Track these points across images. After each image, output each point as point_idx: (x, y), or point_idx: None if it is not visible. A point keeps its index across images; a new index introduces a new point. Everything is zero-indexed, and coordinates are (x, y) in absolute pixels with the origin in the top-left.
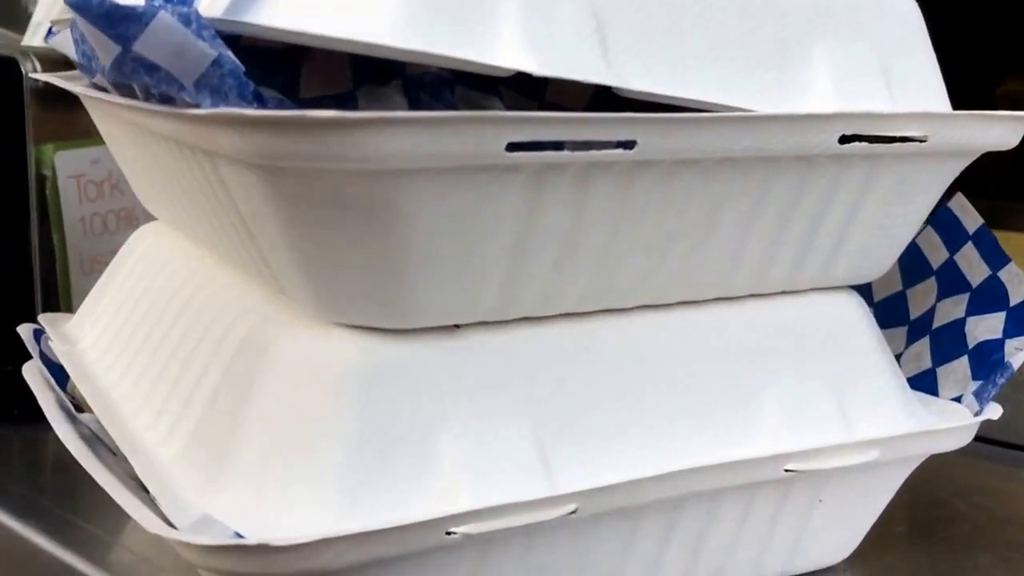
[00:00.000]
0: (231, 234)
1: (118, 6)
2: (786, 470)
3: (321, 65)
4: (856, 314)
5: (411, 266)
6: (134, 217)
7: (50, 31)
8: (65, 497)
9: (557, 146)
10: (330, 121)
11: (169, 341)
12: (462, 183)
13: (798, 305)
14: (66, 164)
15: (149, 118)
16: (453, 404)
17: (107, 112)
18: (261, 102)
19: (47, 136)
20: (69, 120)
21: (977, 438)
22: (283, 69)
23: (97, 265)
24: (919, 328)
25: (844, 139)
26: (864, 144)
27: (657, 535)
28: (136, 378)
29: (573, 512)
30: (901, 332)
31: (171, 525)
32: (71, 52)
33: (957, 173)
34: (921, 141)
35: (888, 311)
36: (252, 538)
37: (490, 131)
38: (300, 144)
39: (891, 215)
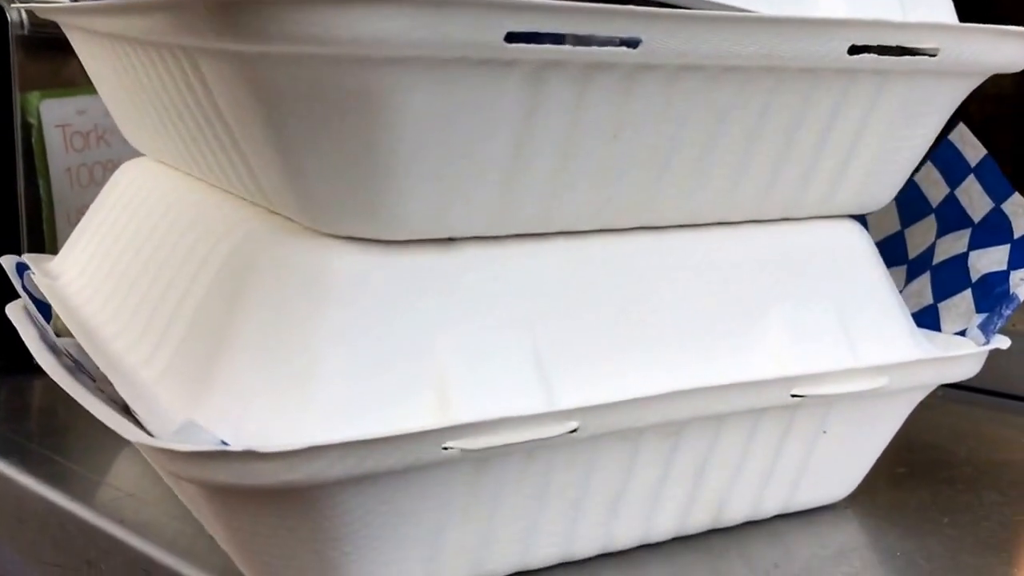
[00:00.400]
0: (216, 149)
1: None
2: (793, 395)
3: None
4: (859, 242)
5: (399, 168)
6: None
7: None
8: (50, 439)
9: (558, 40)
10: None
11: (153, 265)
12: (457, 77)
13: (801, 231)
14: (51, 113)
15: (130, 18)
16: (448, 317)
17: (89, 27)
18: None
19: (32, 84)
20: (55, 69)
21: (968, 387)
22: None
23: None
24: (919, 266)
25: (853, 50)
26: (873, 56)
27: (657, 462)
28: (119, 303)
29: (574, 431)
30: (900, 271)
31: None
32: None
33: (964, 96)
34: (931, 55)
35: (886, 251)
36: (237, 445)
37: (489, 17)
38: (284, 22)
39: (897, 137)
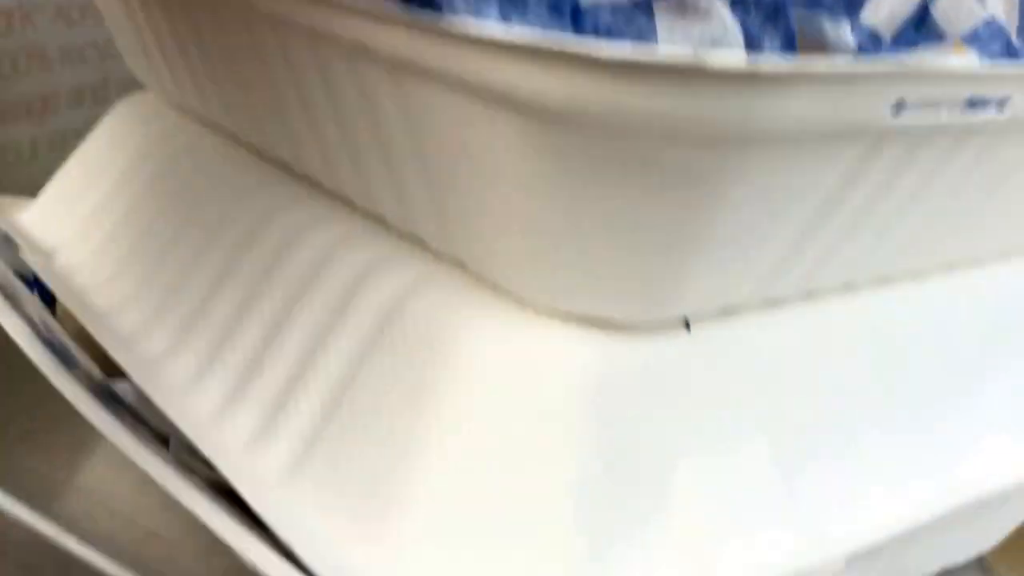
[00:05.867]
0: (375, 174)
1: None
2: None
3: None
4: None
5: (704, 244)
6: (47, 58)
7: None
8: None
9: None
10: (741, 75)
11: (215, 270)
12: (809, 148)
13: None
14: None
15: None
16: (690, 425)
17: None
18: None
19: None
20: None
21: None
22: None
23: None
24: None
25: None
26: None
27: None
28: (165, 311)
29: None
30: None
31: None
32: None
33: None
34: None
35: None
36: None
37: (885, 87)
38: (681, 103)
39: None
